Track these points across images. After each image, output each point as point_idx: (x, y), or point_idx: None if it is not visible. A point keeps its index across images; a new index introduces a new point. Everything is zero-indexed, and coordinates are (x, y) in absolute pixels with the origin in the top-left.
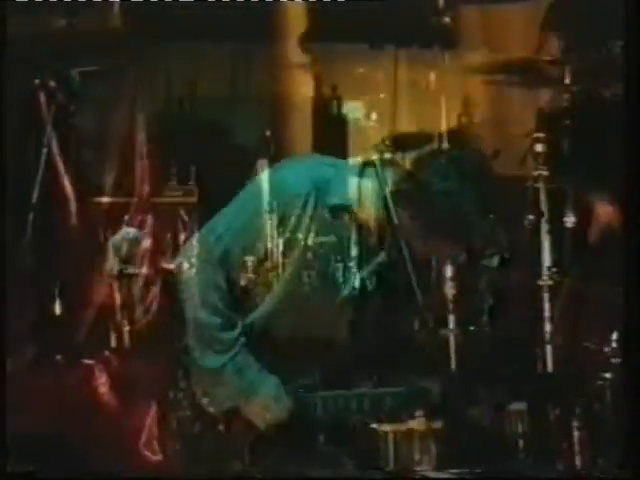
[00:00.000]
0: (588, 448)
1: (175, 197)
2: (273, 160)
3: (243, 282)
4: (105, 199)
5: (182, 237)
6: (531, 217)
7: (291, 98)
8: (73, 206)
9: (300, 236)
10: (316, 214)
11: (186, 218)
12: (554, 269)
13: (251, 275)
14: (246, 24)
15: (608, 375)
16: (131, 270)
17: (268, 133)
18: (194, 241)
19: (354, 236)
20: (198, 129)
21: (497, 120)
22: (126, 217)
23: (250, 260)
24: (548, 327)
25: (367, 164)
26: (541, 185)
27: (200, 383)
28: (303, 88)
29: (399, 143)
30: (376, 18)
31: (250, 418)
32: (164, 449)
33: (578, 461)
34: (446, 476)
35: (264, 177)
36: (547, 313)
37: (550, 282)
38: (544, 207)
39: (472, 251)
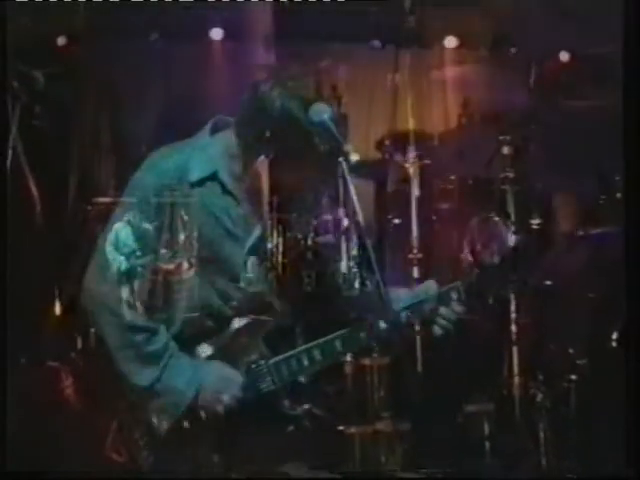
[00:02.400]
0: (554, 449)
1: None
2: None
3: (243, 283)
4: (104, 199)
5: (182, 237)
6: (497, 218)
7: None
8: (38, 206)
9: (183, 234)
10: (188, 198)
11: (186, 218)
12: (520, 270)
13: (250, 275)
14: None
15: (574, 377)
16: (141, 261)
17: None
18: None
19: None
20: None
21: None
22: (126, 217)
23: (250, 260)
24: (514, 328)
25: (216, 128)
26: (508, 187)
27: (141, 403)
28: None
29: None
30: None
31: (206, 408)
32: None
33: (544, 461)
34: (413, 476)
35: (130, 184)
36: (513, 314)
37: (516, 283)
38: (510, 209)
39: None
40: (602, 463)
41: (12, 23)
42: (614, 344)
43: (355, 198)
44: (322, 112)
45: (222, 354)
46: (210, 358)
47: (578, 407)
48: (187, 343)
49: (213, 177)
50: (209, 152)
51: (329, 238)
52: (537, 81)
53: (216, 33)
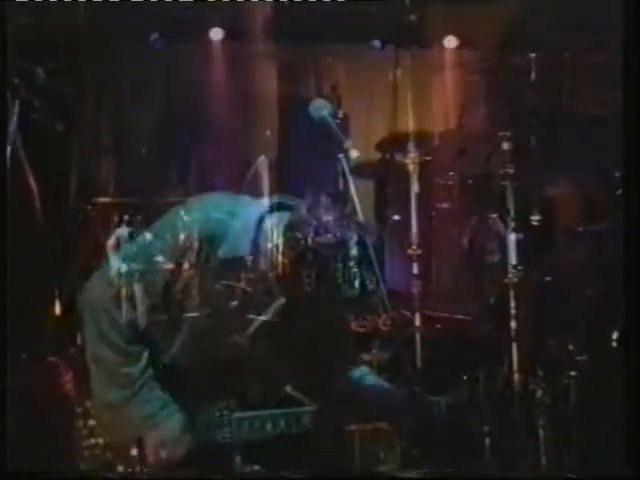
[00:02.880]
0: (554, 446)
1: (175, 197)
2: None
3: (242, 283)
4: (105, 199)
5: (182, 237)
6: (495, 215)
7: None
8: (38, 203)
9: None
10: (208, 264)
11: (186, 218)
12: (520, 267)
13: (251, 275)
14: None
15: (573, 373)
16: (135, 267)
17: (268, 133)
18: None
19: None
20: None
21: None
22: (126, 217)
23: (249, 260)
24: (514, 324)
25: (277, 207)
26: (507, 183)
27: (101, 416)
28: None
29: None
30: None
31: (147, 451)
32: None
33: (543, 460)
34: (412, 476)
35: (158, 225)
36: (513, 311)
37: (516, 280)
38: (510, 205)
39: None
40: (602, 463)
41: (12, 21)
42: (614, 342)
43: (355, 195)
44: (322, 108)
45: (190, 396)
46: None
47: (578, 405)
48: (163, 376)
49: (243, 260)
50: (254, 232)
51: (329, 238)
52: (537, 78)
53: (216, 33)
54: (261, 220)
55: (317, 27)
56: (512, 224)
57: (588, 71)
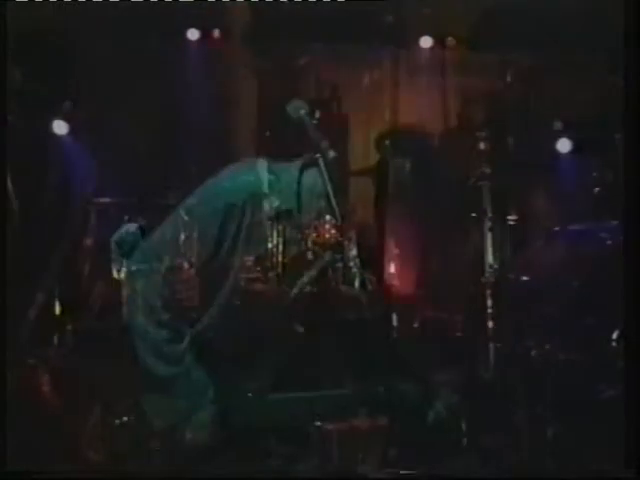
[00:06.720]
0: (532, 445)
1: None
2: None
3: (242, 282)
4: (105, 199)
5: (182, 237)
6: (474, 215)
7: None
8: (15, 204)
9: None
10: (254, 222)
11: (186, 218)
12: (496, 266)
13: (252, 275)
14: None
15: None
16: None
17: (268, 133)
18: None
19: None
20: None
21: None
22: (126, 217)
23: (250, 260)
24: (490, 324)
25: (307, 165)
26: (484, 183)
27: (150, 392)
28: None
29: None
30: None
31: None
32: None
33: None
34: (390, 477)
35: (203, 188)
36: (490, 310)
37: (492, 279)
38: (487, 205)
39: None
40: (601, 463)
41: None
42: (611, 342)
43: (333, 194)
44: (299, 108)
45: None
46: None
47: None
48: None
49: (290, 212)
50: (294, 184)
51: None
52: (513, 79)
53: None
54: (301, 176)
55: (318, 27)
56: (489, 224)
57: (564, 71)
